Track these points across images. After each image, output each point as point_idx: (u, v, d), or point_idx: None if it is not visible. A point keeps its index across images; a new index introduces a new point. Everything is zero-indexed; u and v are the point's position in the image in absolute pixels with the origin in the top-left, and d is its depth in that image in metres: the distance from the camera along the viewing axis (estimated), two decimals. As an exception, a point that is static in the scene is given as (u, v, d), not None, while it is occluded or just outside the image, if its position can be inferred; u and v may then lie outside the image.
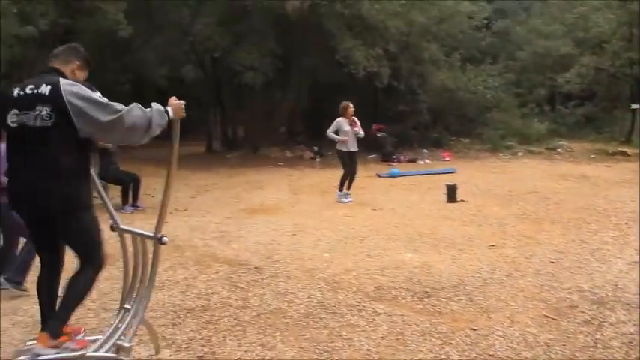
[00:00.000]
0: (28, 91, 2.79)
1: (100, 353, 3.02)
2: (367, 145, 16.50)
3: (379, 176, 12.08)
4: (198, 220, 7.63)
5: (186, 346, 3.64)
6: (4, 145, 3.12)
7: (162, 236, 3.14)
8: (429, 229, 6.88)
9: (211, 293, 4.62)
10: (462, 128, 18.53)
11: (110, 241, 5.55)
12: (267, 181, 11.67)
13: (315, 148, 16.30)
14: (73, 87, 2.77)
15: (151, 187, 10.00)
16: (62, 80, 2.80)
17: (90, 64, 3.18)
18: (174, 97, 3.01)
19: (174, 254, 5.85)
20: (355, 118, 9.00)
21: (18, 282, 4.67)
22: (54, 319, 2.96)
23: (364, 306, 4.28)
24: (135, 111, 2.77)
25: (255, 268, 5.33)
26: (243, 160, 16.22)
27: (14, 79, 13.20)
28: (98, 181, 8.32)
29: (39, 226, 3.04)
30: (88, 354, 2.98)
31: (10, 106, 2.81)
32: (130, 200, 8.48)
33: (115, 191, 8.70)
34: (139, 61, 20.35)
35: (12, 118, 2.80)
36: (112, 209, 3.45)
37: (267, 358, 3.45)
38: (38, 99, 2.75)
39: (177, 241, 6.41)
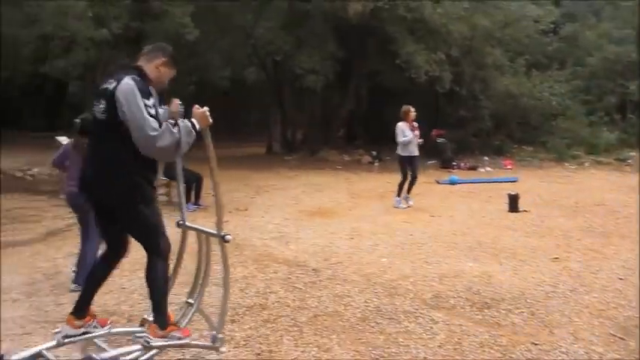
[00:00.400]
0: (104, 85, 2.98)
1: (201, 342, 3.29)
2: (426, 150, 16.26)
3: (438, 182, 11.91)
4: (257, 220, 7.77)
5: (244, 343, 3.72)
6: None
7: (226, 234, 3.23)
8: (489, 238, 6.73)
9: (269, 292, 4.71)
10: (526, 136, 17.98)
11: (172, 238, 5.82)
12: (326, 184, 11.73)
13: (374, 152, 16.26)
14: (126, 87, 2.86)
15: (211, 187, 10.28)
16: (125, 80, 2.90)
17: (177, 63, 3.27)
18: (196, 106, 3.08)
19: (234, 253, 5.97)
20: (416, 123, 8.93)
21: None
22: (154, 313, 3.14)
23: (421, 313, 4.25)
24: (165, 135, 2.86)
25: (313, 270, 5.38)
26: (301, 163, 16.37)
27: (87, 80, 13.91)
28: (162, 179, 8.62)
29: (100, 213, 3.20)
30: (192, 342, 3.24)
31: (95, 98, 3.03)
32: (193, 198, 8.70)
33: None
34: (203, 63, 20.95)
35: (93, 109, 3.01)
36: (184, 207, 3.57)
37: (323, 359, 3.49)
38: (104, 93, 2.93)
39: (237, 240, 6.54)
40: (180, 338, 3.09)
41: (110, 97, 2.87)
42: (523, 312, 4.28)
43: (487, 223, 7.72)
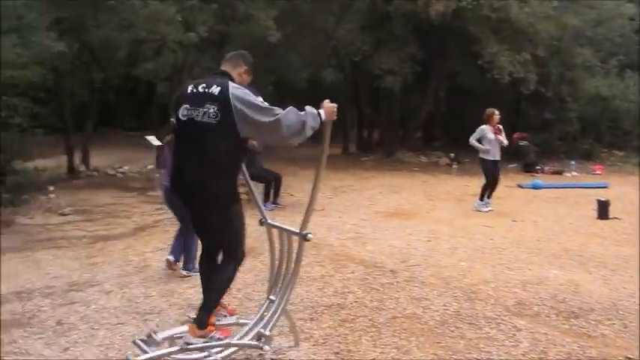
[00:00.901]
0: (200, 89, 3.08)
1: (244, 341, 3.24)
2: (508, 154, 15.72)
3: (520, 187, 11.48)
4: (334, 220, 7.83)
5: (323, 341, 3.76)
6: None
7: (308, 233, 3.28)
8: (576, 245, 6.42)
9: (347, 292, 4.73)
10: (617, 140, 16.98)
11: (253, 235, 5.99)
12: (403, 186, 11.63)
13: (452, 155, 15.92)
14: (238, 90, 3.01)
15: (291, 186, 10.47)
16: (230, 84, 3.04)
17: (254, 71, 3.41)
18: (327, 100, 3.14)
19: (312, 252, 6.04)
20: (500, 126, 8.66)
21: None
22: (200, 310, 3.19)
23: (503, 320, 4.12)
24: (291, 115, 2.96)
25: (391, 271, 5.36)
26: (378, 164, 16.30)
27: (175, 81, 14.56)
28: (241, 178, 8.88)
29: (195, 214, 3.32)
30: (232, 342, 3.22)
31: (183, 101, 3.12)
32: (271, 198, 8.90)
33: (257, 189, 9.20)
34: (282, 64, 21.37)
35: (183, 112, 3.09)
36: (261, 205, 3.67)
37: (406, 363, 3.47)
38: (208, 98, 3.01)
39: (315, 240, 6.54)
40: (219, 339, 3.13)
41: (222, 100, 2.97)
42: (614, 324, 4.06)
43: (574, 229, 7.37)
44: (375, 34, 14.80)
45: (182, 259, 5.29)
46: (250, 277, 5.16)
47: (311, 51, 16.98)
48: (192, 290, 4.79)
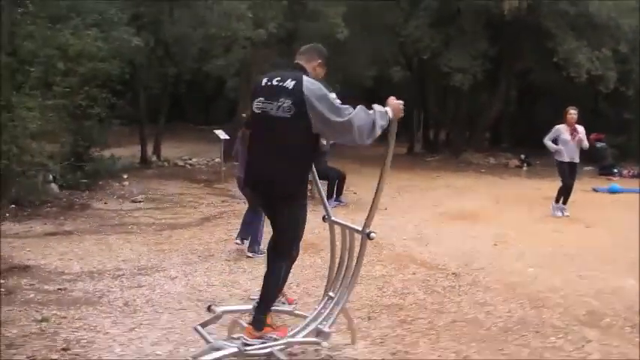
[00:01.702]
0: (274, 82, 3.05)
1: (300, 338, 3.24)
2: (583, 156, 14.95)
3: (595, 190, 10.93)
4: (397, 220, 7.73)
5: (380, 341, 3.72)
6: None
7: (371, 232, 3.24)
8: (656, 255, 6.03)
9: (407, 293, 4.66)
10: (702, 142, 15.86)
11: (315, 231, 6.02)
12: (468, 187, 11.34)
13: (523, 156, 15.39)
14: (313, 86, 2.95)
15: (354, 184, 10.45)
16: (305, 78, 3.00)
17: (329, 65, 3.35)
18: (392, 97, 3.08)
19: (373, 251, 5.99)
20: (579, 127, 8.25)
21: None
22: (256, 310, 3.17)
23: (572, 329, 3.93)
24: (361, 114, 2.91)
25: (453, 274, 5.24)
26: (443, 164, 15.99)
27: (242, 77, 14.85)
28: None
29: (266, 208, 3.35)
30: (291, 340, 3.20)
31: (258, 93, 3.11)
32: (334, 195, 8.90)
33: (322, 185, 9.23)
34: (349, 62, 21.32)
35: (257, 105, 3.09)
36: (326, 201, 3.66)
37: (461, 367, 3.38)
38: (283, 91, 2.98)
39: (376, 239, 6.42)
40: (276, 339, 3.09)
41: (297, 94, 2.93)
42: (695, 341, 3.79)
43: (653, 238, 6.93)
44: (445, 31, 14.49)
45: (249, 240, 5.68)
46: (310, 273, 5.19)
47: (378, 49, 16.79)
48: (252, 282, 4.85)
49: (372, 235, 3.22)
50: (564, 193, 8.35)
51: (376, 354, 3.52)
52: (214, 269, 5.27)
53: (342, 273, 3.51)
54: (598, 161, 13.96)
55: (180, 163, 13.01)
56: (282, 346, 3.14)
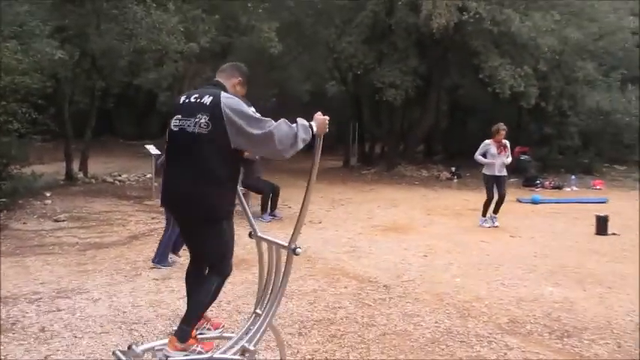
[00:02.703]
0: (192, 99, 3.00)
1: (227, 355, 3.14)
2: (508, 168, 15.60)
3: (520, 201, 11.41)
4: (331, 234, 7.76)
5: (310, 357, 3.70)
6: None
7: (296, 247, 3.20)
8: (573, 262, 6.35)
9: (338, 307, 4.66)
10: (618, 155, 16.91)
11: (247, 247, 5.94)
12: (402, 199, 11.56)
13: (453, 169, 15.87)
14: (231, 100, 2.92)
15: (289, 198, 10.41)
16: (223, 93, 2.96)
17: (249, 83, 3.35)
18: (319, 113, 3.06)
19: (306, 265, 5.99)
20: (506, 142, 8.60)
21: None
22: (182, 323, 3.09)
23: (495, 338, 4.05)
24: (282, 127, 2.86)
25: (384, 286, 5.29)
26: (378, 177, 16.26)
27: (175, 91, 14.59)
28: (240, 189, 9.04)
29: (183, 225, 3.26)
30: (214, 356, 3.10)
31: (176, 111, 3.06)
32: (269, 209, 8.84)
33: (255, 199, 9.16)
34: (285, 76, 21.42)
35: (174, 122, 3.02)
36: (251, 217, 3.60)
37: (389, 380, 3.40)
38: (200, 107, 2.93)
39: (310, 253, 6.56)
40: (200, 352, 3.04)
41: (214, 109, 2.88)
42: (609, 343, 3.99)
43: (571, 245, 7.29)
44: (377, 48, 14.82)
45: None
46: (241, 290, 5.10)
47: (313, 64, 16.99)
48: (181, 302, 4.70)
49: (298, 250, 3.17)
50: (495, 204, 8.64)
51: (305, 371, 3.50)
52: (141, 289, 5.08)
53: (270, 289, 3.46)
54: (522, 173, 14.59)
55: (109, 179, 12.53)
56: None
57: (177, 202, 3.11)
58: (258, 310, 3.45)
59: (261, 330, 3.30)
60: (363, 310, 4.60)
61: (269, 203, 8.84)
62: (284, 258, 3.33)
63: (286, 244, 3.25)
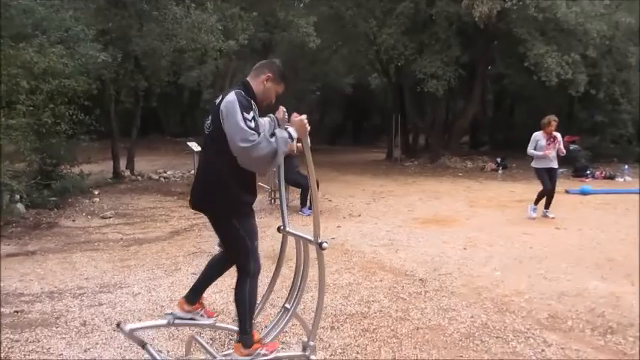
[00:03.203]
0: (217, 100, 3.06)
1: (292, 352, 3.28)
2: (559, 158, 15.07)
3: (568, 192, 11.02)
4: (369, 227, 7.71)
5: (341, 351, 3.68)
6: None
7: (323, 242, 3.18)
8: (622, 255, 6.08)
9: (372, 301, 4.63)
10: (674, 143, 16.11)
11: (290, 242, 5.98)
12: (445, 191, 11.38)
13: (499, 159, 15.49)
14: (229, 105, 2.89)
15: (330, 192, 10.44)
16: (231, 95, 2.95)
17: (285, 79, 3.26)
18: (295, 114, 3.02)
19: (343, 259, 5.99)
20: (557, 134, 8.32)
21: None
22: (241, 332, 3.16)
23: (533, 334, 3.93)
24: (262, 143, 2.82)
25: (420, 280, 5.22)
26: (421, 169, 16.07)
27: (217, 88, 14.82)
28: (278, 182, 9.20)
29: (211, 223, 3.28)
30: (280, 355, 3.20)
31: (209, 113, 3.11)
32: (308, 203, 8.86)
33: (294, 193, 9.21)
34: (327, 69, 21.42)
35: (205, 124, 3.08)
36: (285, 212, 3.60)
37: (420, 375, 3.35)
38: (213, 109, 3.00)
39: (347, 246, 6.56)
40: (265, 355, 3.09)
41: (216, 110, 2.94)
42: (655, 341, 3.81)
43: (621, 238, 6.98)
44: (418, 38, 14.59)
45: None
46: (277, 284, 5.11)
47: (355, 56, 16.90)
48: (217, 295, 4.80)
49: (324, 245, 3.16)
50: (543, 197, 8.39)
51: (335, 365, 3.49)
52: (179, 283, 5.17)
53: (298, 283, 3.48)
54: (571, 163, 14.09)
55: (155, 176, 12.86)
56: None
57: (194, 203, 3.18)
58: (287, 305, 3.48)
59: (311, 324, 3.33)
60: (398, 304, 4.55)
61: (308, 197, 8.86)
62: (312, 254, 3.33)
63: (312, 239, 3.24)
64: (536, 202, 8.40)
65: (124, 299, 4.72)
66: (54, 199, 8.72)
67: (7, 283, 5.17)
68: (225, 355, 3.13)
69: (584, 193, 10.71)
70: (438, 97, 15.24)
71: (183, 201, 9.97)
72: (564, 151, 8.32)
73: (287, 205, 8.74)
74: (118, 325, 3.04)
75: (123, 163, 12.49)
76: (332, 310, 4.43)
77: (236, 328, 3.45)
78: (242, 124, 2.83)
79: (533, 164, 8.42)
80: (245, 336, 3.11)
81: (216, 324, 3.57)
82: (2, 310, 4.47)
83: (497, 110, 20.47)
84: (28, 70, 8.30)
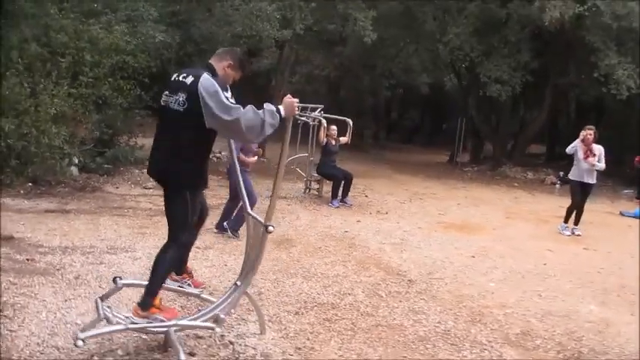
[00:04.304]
0: (180, 78, 3.24)
1: (197, 322, 3.39)
2: (626, 179, 14.27)
3: (622, 214, 10.41)
4: (389, 225, 7.73)
5: (293, 335, 3.82)
6: None
7: (269, 225, 3.33)
8: (638, 283, 5.75)
9: (348, 295, 4.72)
10: None
11: (299, 229, 6.13)
12: (488, 199, 11.09)
13: (562, 173, 14.74)
14: (207, 82, 3.10)
15: (372, 188, 10.51)
16: (204, 75, 3.16)
17: (244, 67, 3.49)
18: (288, 95, 3.20)
19: (344, 252, 6.10)
20: (598, 147, 7.94)
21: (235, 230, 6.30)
22: (144, 293, 3.34)
23: (492, 347, 3.88)
24: (249, 114, 3.02)
25: (409, 281, 5.24)
26: (479, 176, 15.66)
27: (277, 76, 15.16)
28: (314, 175, 9.53)
29: (164, 194, 3.48)
30: (179, 322, 3.33)
31: (166, 87, 3.32)
32: (340, 196, 8.98)
33: (328, 185, 9.36)
34: (403, 67, 21.20)
35: (163, 98, 3.30)
36: (245, 195, 3.76)
37: (353, 367, 3.43)
38: (182, 86, 3.18)
39: (355, 241, 6.65)
40: (162, 320, 3.23)
41: (192, 89, 3.11)
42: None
43: (649, 267, 6.57)
44: (487, 40, 14.16)
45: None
46: (269, 266, 5.33)
47: (422, 54, 16.65)
48: (209, 270, 5.08)
49: (270, 228, 3.31)
50: (572, 213, 8.07)
51: (279, 346, 3.63)
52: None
53: (251, 262, 3.64)
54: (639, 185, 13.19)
55: (218, 155, 13.38)
56: (176, 328, 3.32)
57: (155, 172, 3.42)
58: (238, 282, 3.66)
59: (235, 300, 3.51)
60: (371, 300, 4.62)
61: (340, 190, 8.98)
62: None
63: (262, 221, 3.38)
64: (566, 219, 8.10)
65: (124, 262, 5.10)
66: (107, 166, 9.40)
67: (33, 235, 5.71)
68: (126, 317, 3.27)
69: (638, 216, 10.06)
70: (503, 103, 14.76)
71: (225, 181, 10.39)
72: (603, 166, 7.88)
73: (321, 196, 8.98)
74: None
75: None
76: (305, 297, 4.57)
77: (214, 299, 3.65)
78: (226, 101, 3.06)
79: (570, 175, 8.12)
80: (147, 298, 3.27)
81: (202, 295, 3.86)
82: (17, 257, 4.97)
83: (569, 122, 19.43)
84: (95, 45, 9.00)
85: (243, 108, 3.06)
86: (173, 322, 3.29)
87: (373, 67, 20.55)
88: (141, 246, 5.67)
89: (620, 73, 11.74)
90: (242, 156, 6.09)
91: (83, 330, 3.17)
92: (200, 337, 3.62)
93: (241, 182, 3.72)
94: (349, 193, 9.16)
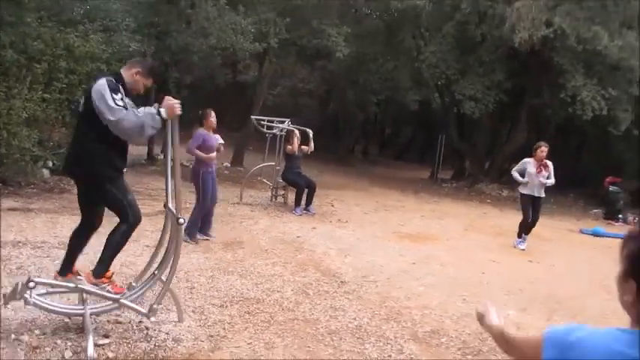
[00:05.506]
0: (90, 85, 3.62)
1: (136, 306, 3.70)
2: (596, 198, 14.53)
3: (582, 232, 10.66)
4: (344, 232, 7.99)
5: (211, 324, 4.09)
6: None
7: (180, 218, 3.62)
8: (568, 294, 6.00)
9: (277, 292, 4.98)
10: None
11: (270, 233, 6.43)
12: (455, 213, 11.35)
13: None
14: (99, 87, 3.46)
15: (341, 199, 10.75)
16: (100, 80, 3.52)
17: (152, 74, 3.91)
18: (168, 97, 3.52)
19: (288, 255, 6.36)
20: (548, 162, 8.24)
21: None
22: (98, 265, 3.77)
23: (396, 342, 4.14)
24: (129, 116, 3.40)
25: (341, 282, 5.50)
26: (456, 191, 15.95)
27: (256, 88, 15.51)
28: (279, 181, 9.81)
29: (78, 190, 3.90)
30: (122, 300, 3.63)
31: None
32: (303, 204, 9.26)
33: (292, 192, 9.65)
34: (390, 84, 21.57)
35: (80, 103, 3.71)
36: (170, 192, 4.03)
37: (257, 355, 3.68)
38: (84, 91, 3.67)
39: (304, 245, 6.91)
40: (109, 291, 3.61)
41: (88, 93, 3.54)
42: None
43: (589, 279, 6.79)
44: (463, 60, 14.55)
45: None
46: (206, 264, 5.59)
47: (400, 71, 17.01)
48: (140, 259, 5.31)
49: (180, 221, 3.60)
50: (524, 227, 8.35)
51: (193, 333, 3.90)
52: (130, 251, 5.65)
53: (168, 254, 3.92)
54: (609, 205, 13.48)
55: (186, 163, 13.67)
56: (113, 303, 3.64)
57: (66, 168, 3.84)
58: (156, 271, 3.93)
59: (148, 288, 3.80)
60: (297, 297, 4.87)
61: (303, 198, 9.26)
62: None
63: (177, 215, 3.67)
64: (519, 234, 8.35)
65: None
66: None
67: (-11, 231, 5.98)
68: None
69: (596, 234, 10.33)
70: (479, 121, 15.11)
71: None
72: (553, 181, 8.16)
73: (287, 203, 9.20)
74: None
75: (159, 148, 13.42)
76: (234, 293, 4.83)
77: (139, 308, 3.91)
78: (111, 102, 3.40)
79: (520, 189, 8.37)
80: (100, 266, 3.68)
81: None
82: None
83: (562, 145, 19.73)
84: (71, 53, 9.33)
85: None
86: (118, 296, 3.60)
87: (357, 82, 20.93)
88: (98, 242, 5.91)
89: (585, 95, 12.08)
90: (197, 151, 6.47)
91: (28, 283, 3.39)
92: (119, 323, 3.89)
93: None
94: (313, 202, 9.44)
